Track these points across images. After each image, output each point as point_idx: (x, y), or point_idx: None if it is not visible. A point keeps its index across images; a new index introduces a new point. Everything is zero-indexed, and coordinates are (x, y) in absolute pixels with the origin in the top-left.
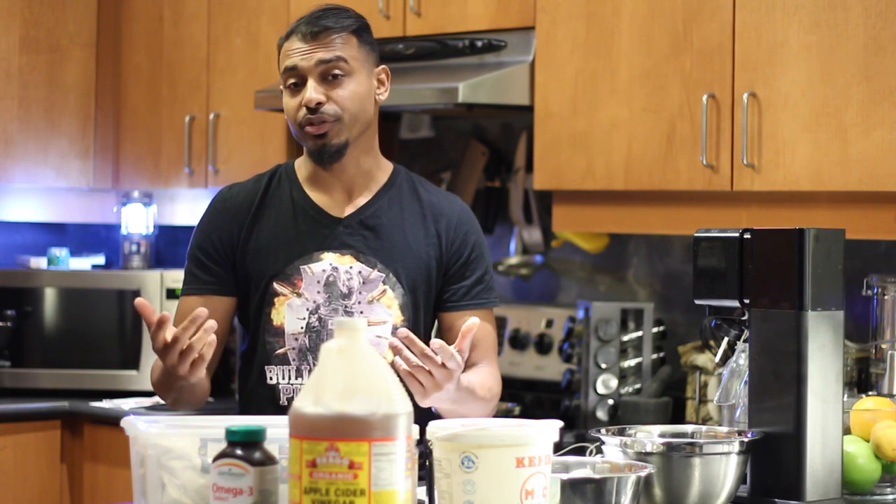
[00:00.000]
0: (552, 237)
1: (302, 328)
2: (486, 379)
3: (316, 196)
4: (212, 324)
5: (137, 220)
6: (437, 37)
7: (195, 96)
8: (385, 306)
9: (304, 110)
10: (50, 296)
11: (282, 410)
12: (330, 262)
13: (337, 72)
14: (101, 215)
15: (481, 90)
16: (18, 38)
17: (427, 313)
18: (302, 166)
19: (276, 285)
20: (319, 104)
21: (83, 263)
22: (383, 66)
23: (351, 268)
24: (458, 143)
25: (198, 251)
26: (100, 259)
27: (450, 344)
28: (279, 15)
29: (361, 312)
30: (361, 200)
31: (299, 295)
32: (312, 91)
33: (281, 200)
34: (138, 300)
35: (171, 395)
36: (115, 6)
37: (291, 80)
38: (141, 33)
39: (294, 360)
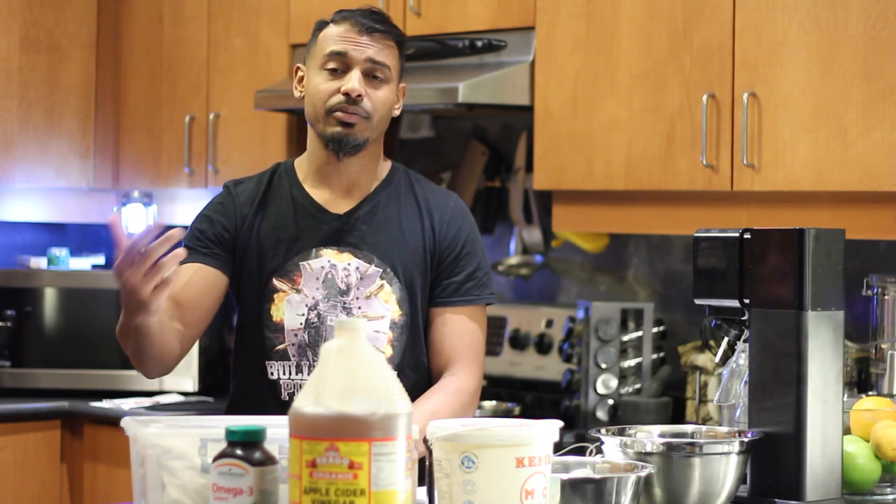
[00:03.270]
0: (552, 237)
1: (301, 324)
2: (435, 408)
3: (315, 193)
4: (176, 233)
5: (137, 220)
6: (437, 37)
7: (195, 96)
8: (383, 301)
9: (339, 97)
10: (50, 296)
11: (283, 405)
12: (328, 259)
13: (379, 75)
14: (101, 215)
15: (481, 90)
16: (18, 38)
17: (424, 307)
18: (302, 164)
19: (275, 281)
20: (360, 97)
21: (83, 263)
22: (404, 85)
23: (349, 264)
24: (458, 143)
25: (198, 232)
26: (100, 259)
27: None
28: (279, 15)
29: (360, 308)
30: (359, 197)
31: (298, 291)
32: (357, 82)
33: (281, 197)
34: (112, 218)
35: (131, 341)
36: (115, 6)
37: (333, 64)
38: (141, 33)
39: (294, 355)
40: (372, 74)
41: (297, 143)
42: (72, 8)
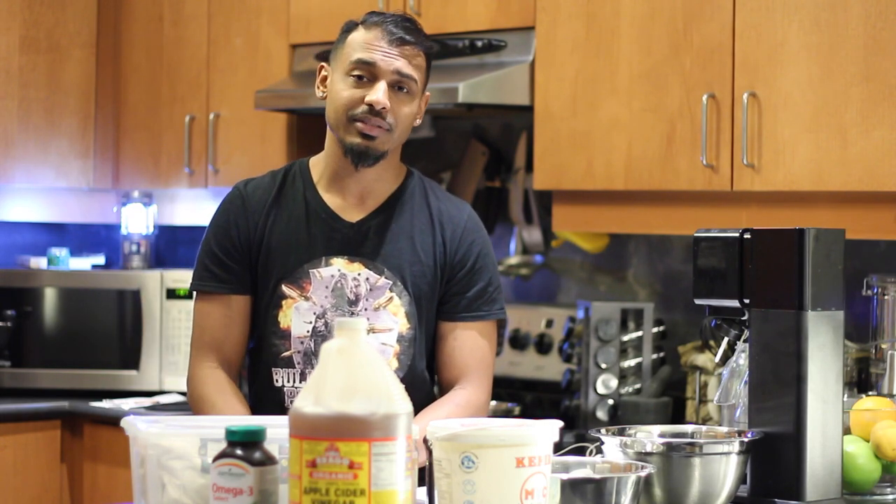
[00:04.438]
0: (552, 237)
1: (308, 332)
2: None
3: (329, 198)
4: None
5: (137, 220)
6: (437, 37)
7: (195, 96)
8: (391, 313)
9: (364, 107)
10: (50, 296)
11: (286, 412)
12: (339, 269)
13: (405, 87)
14: (101, 215)
15: (481, 90)
16: (18, 38)
17: (431, 321)
18: (318, 165)
19: (284, 287)
20: (384, 109)
21: (83, 263)
22: (428, 94)
23: (359, 274)
24: (458, 143)
25: (215, 246)
26: (100, 259)
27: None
28: (279, 15)
29: (368, 319)
30: (373, 205)
31: (307, 299)
32: (383, 94)
33: (294, 200)
34: None
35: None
36: (115, 6)
37: (359, 73)
38: (141, 33)
39: (299, 363)
40: (398, 86)
41: (297, 143)
42: (72, 8)
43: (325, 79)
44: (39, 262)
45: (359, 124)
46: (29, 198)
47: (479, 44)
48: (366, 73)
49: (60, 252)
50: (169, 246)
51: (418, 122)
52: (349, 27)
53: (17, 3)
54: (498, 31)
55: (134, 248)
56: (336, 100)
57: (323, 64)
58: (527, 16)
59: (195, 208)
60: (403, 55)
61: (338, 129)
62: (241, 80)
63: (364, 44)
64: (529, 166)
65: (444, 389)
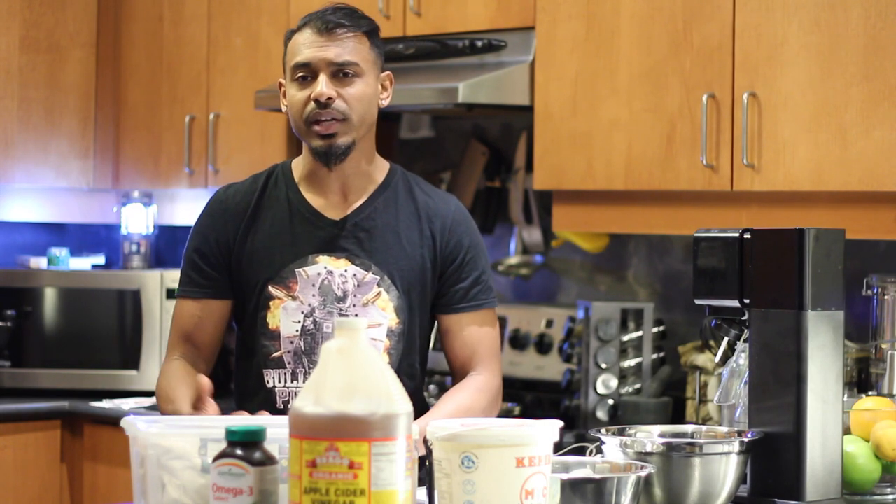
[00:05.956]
0: (552, 237)
1: (297, 331)
2: (470, 404)
3: (312, 197)
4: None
5: (137, 220)
6: (437, 37)
7: (195, 96)
8: (380, 309)
9: (312, 104)
10: (50, 296)
11: (278, 414)
12: (325, 266)
13: (349, 71)
14: (101, 215)
15: (481, 90)
16: (18, 38)
17: (423, 315)
18: (299, 166)
19: (271, 288)
20: (330, 99)
21: (83, 263)
22: (388, 73)
23: (346, 271)
24: (458, 143)
25: (194, 254)
26: (100, 259)
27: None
28: (279, 15)
29: (356, 315)
30: (357, 202)
31: (294, 298)
32: (324, 86)
33: (277, 202)
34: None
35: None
36: (115, 6)
37: (301, 74)
38: (141, 33)
39: (290, 363)
40: (342, 72)
41: (296, 143)
42: (72, 8)
43: (284, 93)
44: (39, 262)
45: (315, 127)
46: (29, 198)
47: (479, 44)
48: (307, 73)
49: (60, 252)
50: (169, 246)
51: (384, 102)
52: (288, 37)
53: (17, 3)
54: (498, 31)
55: (134, 248)
56: (291, 107)
57: (280, 80)
58: (527, 16)
59: (195, 208)
60: (335, 42)
61: (301, 134)
62: (241, 80)
63: (299, 46)
64: (529, 166)
65: (457, 379)
